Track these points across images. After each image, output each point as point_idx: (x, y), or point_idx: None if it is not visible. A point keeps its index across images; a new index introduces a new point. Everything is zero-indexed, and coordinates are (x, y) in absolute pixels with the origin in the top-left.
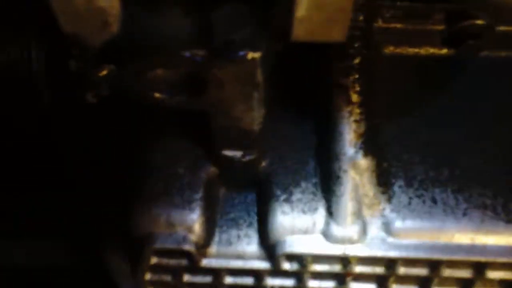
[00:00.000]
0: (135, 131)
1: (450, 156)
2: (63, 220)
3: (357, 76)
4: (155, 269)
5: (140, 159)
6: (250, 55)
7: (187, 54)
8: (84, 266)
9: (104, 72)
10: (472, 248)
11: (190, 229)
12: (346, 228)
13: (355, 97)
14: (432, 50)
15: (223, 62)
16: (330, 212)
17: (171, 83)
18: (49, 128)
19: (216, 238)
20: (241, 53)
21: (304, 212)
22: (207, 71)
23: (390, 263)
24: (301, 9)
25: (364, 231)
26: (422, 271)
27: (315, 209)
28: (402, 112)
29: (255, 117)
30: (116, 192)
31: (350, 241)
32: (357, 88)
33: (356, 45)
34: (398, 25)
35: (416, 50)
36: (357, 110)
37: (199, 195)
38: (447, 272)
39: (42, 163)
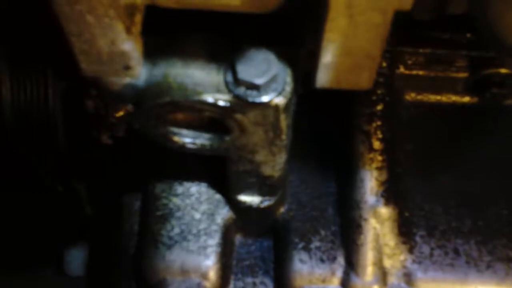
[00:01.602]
0: (152, 171)
1: (473, 206)
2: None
3: (379, 122)
4: None
5: (157, 201)
6: (274, 101)
7: (210, 99)
8: None
9: (121, 113)
10: None
11: (204, 276)
12: (366, 278)
13: (377, 144)
14: (454, 98)
15: (246, 107)
16: (349, 262)
17: (192, 126)
18: (65, 170)
19: (231, 286)
20: (266, 99)
21: (322, 261)
22: (229, 116)
23: None
24: (328, 55)
25: (384, 282)
26: None
27: (334, 258)
28: (424, 160)
29: (276, 163)
30: (133, 235)
31: None
32: (380, 135)
33: (379, 91)
34: (420, 72)
35: (438, 97)
36: (379, 157)
37: (215, 241)
38: None
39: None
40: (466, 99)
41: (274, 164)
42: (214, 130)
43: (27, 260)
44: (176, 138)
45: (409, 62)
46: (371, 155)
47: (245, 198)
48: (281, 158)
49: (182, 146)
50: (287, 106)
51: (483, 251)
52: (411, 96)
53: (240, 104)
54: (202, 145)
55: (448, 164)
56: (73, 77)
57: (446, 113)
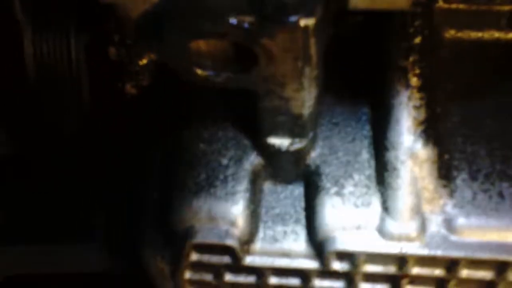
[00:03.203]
0: (177, 118)
1: None
2: (97, 220)
3: (417, 57)
4: (196, 267)
5: (182, 148)
6: (303, 21)
7: (233, 21)
8: (119, 270)
9: (144, 61)
10: None
11: (233, 223)
12: (404, 224)
13: (414, 81)
14: (497, 35)
15: (273, 29)
16: (385, 207)
17: (217, 57)
18: (90, 123)
19: (260, 234)
20: (293, 18)
21: (356, 206)
22: (256, 41)
23: (451, 264)
24: None
25: (423, 228)
26: (487, 274)
27: (369, 203)
28: (465, 100)
29: (306, 98)
30: (157, 184)
31: (408, 239)
32: (417, 71)
33: (417, 23)
34: (461, 6)
35: (480, 34)
36: (417, 95)
37: (243, 187)
38: None
39: (84, 156)
40: (511, 35)
41: (304, 100)
42: (240, 60)
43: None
44: (199, 71)
45: None
46: (408, 92)
47: (274, 140)
48: (312, 93)
49: (207, 80)
50: (317, 28)
51: None
52: (450, 33)
53: (267, 26)
54: (227, 78)
55: (492, 105)
56: (96, 27)
57: (489, 50)
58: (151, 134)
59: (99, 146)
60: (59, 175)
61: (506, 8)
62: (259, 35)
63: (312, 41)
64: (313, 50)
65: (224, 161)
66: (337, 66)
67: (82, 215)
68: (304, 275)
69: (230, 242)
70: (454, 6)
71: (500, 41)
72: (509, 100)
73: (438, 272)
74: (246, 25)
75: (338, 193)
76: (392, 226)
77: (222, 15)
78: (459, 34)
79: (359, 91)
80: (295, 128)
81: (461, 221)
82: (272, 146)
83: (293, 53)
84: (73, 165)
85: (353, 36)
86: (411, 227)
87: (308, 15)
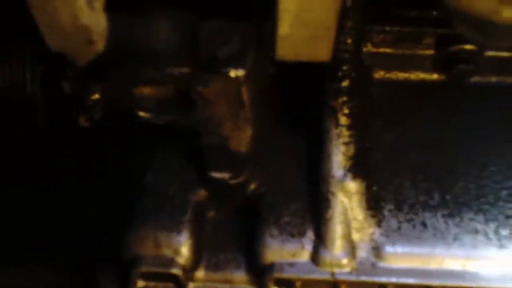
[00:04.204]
0: (127, 149)
1: (441, 181)
2: (56, 244)
3: (345, 98)
4: None
5: (131, 178)
6: (233, 72)
7: (171, 71)
8: None
9: (97, 96)
10: (463, 274)
11: (177, 252)
12: (335, 252)
13: (343, 120)
14: (422, 75)
15: (208, 79)
16: (318, 236)
17: (158, 100)
18: (43, 151)
19: (204, 262)
20: (225, 70)
21: (292, 235)
22: (192, 88)
23: None
24: (285, 26)
25: (353, 255)
26: None
27: (304, 232)
28: (392, 135)
29: (243, 137)
30: (108, 214)
31: (339, 266)
32: (346, 111)
33: (345, 67)
34: (388, 50)
35: (407, 75)
36: (346, 132)
37: (187, 217)
38: None
39: (34, 184)
40: (434, 76)
41: (240, 138)
42: (181, 103)
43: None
44: (142, 113)
45: (376, 40)
46: (338, 130)
47: (216, 174)
48: (247, 132)
49: (150, 121)
50: (248, 77)
51: (450, 224)
52: (379, 74)
53: (201, 75)
54: (168, 119)
55: (417, 139)
56: (51, 60)
57: (414, 90)
58: (104, 163)
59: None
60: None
61: (429, 52)
62: (194, 83)
63: (244, 89)
64: (245, 96)
65: (170, 192)
66: (279, 100)
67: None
68: None
69: (175, 270)
70: (382, 50)
71: (425, 81)
72: (433, 135)
73: None
74: (182, 74)
75: (276, 223)
76: (324, 254)
77: (160, 65)
78: (388, 75)
79: (299, 125)
80: (234, 163)
81: (388, 248)
82: (214, 179)
83: (227, 99)
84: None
85: (294, 73)
86: (342, 255)
87: (238, 66)
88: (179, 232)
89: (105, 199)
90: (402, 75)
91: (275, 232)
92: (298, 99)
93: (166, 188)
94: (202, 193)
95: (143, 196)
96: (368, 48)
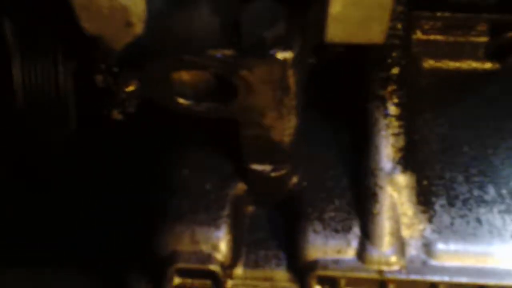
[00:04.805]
0: (161, 145)
1: (495, 175)
2: (83, 245)
3: (395, 87)
4: None
5: (166, 175)
6: (281, 54)
7: (214, 54)
8: None
9: (131, 88)
10: None
11: (215, 248)
12: (383, 249)
13: (393, 109)
14: (474, 64)
15: (252, 62)
16: (365, 232)
17: (198, 87)
18: (76, 147)
19: (243, 259)
20: (272, 52)
21: (337, 231)
22: (235, 73)
23: None
24: (337, 5)
25: (402, 253)
26: None
27: (349, 228)
28: (444, 128)
29: (286, 127)
30: (141, 211)
31: (388, 264)
32: (396, 100)
33: (394, 54)
34: (438, 37)
35: (458, 64)
36: (396, 123)
37: (225, 212)
38: None
39: (67, 181)
40: (488, 65)
41: (284, 128)
42: (221, 90)
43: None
44: (181, 100)
45: (426, 26)
46: (387, 121)
47: (256, 167)
48: (291, 121)
49: (188, 109)
50: (295, 61)
51: (507, 220)
52: (429, 63)
53: (246, 59)
54: (208, 108)
55: (469, 133)
56: (83, 54)
57: (466, 80)
58: (138, 158)
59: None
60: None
61: (482, 39)
62: (238, 68)
63: (290, 73)
64: (291, 81)
65: (207, 187)
66: (320, 93)
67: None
68: None
69: (213, 266)
70: (432, 37)
71: (477, 71)
72: (486, 129)
73: None
74: (225, 58)
75: (319, 218)
76: (371, 251)
77: (202, 47)
78: (438, 64)
79: (341, 118)
80: (276, 155)
81: (440, 246)
82: (254, 172)
83: (271, 85)
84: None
85: (335, 64)
86: (391, 252)
87: (285, 48)
88: (217, 227)
89: (135, 198)
90: (452, 64)
91: (318, 227)
92: (340, 89)
93: (202, 183)
94: (240, 187)
95: (178, 191)
96: (418, 35)
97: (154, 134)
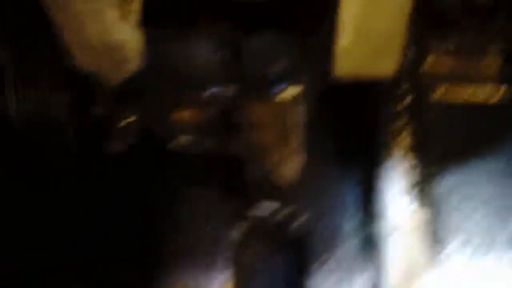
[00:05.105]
0: (160, 183)
1: None
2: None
3: (406, 120)
4: None
5: (165, 215)
6: (288, 91)
7: (215, 90)
8: None
9: (130, 120)
10: None
11: None
12: None
13: (405, 144)
14: (490, 91)
15: (255, 100)
16: (375, 282)
17: (199, 124)
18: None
19: None
20: (274, 91)
21: (340, 281)
22: (238, 110)
23: None
24: (345, 38)
25: None
26: None
27: (356, 278)
28: (458, 163)
29: (292, 167)
30: (137, 255)
31: None
32: (407, 134)
33: (405, 86)
34: (450, 63)
35: (471, 90)
36: (409, 158)
37: (227, 256)
38: None
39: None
40: (503, 91)
41: (290, 168)
42: (223, 128)
43: None
44: (183, 138)
45: (437, 53)
46: (399, 156)
47: (259, 208)
48: (297, 161)
49: (189, 148)
50: (299, 98)
51: None
52: (441, 91)
53: (249, 97)
54: (210, 146)
55: (487, 166)
56: (80, 84)
57: (481, 108)
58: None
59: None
60: None
61: (497, 62)
62: (240, 106)
63: (295, 110)
64: (296, 118)
65: (207, 229)
66: (325, 131)
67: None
68: None
69: None
70: (443, 63)
71: (494, 97)
72: (504, 163)
73: None
74: (226, 96)
75: (321, 268)
76: None
77: (203, 84)
78: (450, 93)
79: (350, 153)
80: (280, 195)
81: None
82: (257, 214)
83: (276, 122)
84: None
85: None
86: None
87: (289, 86)
88: (218, 273)
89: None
90: (466, 92)
91: (321, 277)
92: (348, 124)
93: (202, 225)
94: (243, 230)
95: (173, 234)
96: (428, 62)
97: (151, 169)
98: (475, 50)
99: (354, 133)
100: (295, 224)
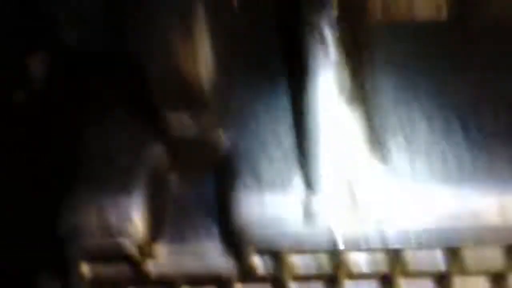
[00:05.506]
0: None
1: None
2: None
3: (333, 12)
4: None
5: (71, 137)
6: None
7: None
8: None
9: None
10: None
11: (127, 221)
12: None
13: (331, 35)
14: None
15: None
16: (308, 181)
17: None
18: None
19: (165, 233)
20: None
21: (274, 186)
22: None
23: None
24: None
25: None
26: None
27: (289, 180)
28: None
29: (199, 63)
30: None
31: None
32: (334, 25)
33: None
34: None
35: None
36: (336, 53)
37: (141, 180)
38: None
39: None
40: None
41: (196, 66)
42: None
43: None
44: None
45: None
46: (325, 51)
47: (172, 118)
48: (205, 58)
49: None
50: None
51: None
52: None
53: None
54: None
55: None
56: None
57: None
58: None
59: None
60: None
61: None
62: None
63: None
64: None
65: (118, 151)
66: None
67: None
68: (222, 281)
69: (123, 240)
70: None
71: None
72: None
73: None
74: None
75: (253, 173)
76: (318, 203)
77: None
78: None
79: (275, 54)
80: (193, 99)
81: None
82: (172, 130)
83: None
84: None
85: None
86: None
87: None
88: (130, 197)
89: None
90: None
91: (253, 183)
92: (268, 30)
93: (112, 147)
94: (160, 149)
95: (85, 157)
96: None
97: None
98: None
99: (272, 27)
100: (219, 139)
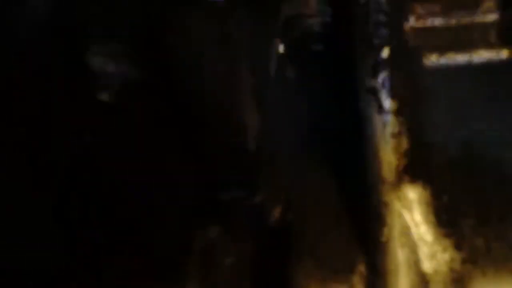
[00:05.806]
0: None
1: None
2: None
3: (388, 74)
4: None
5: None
6: None
7: None
8: None
9: None
10: None
11: None
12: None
13: (389, 102)
14: (486, 53)
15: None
16: (372, 269)
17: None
18: None
19: None
20: None
21: (336, 272)
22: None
23: None
24: None
25: None
26: None
27: (351, 266)
28: (459, 128)
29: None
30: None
31: None
32: (390, 90)
33: (382, 32)
34: (437, 22)
35: (466, 53)
36: (394, 120)
37: (192, 265)
38: None
39: None
40: (504, 53)
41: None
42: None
43: None
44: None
45: (422, 11)
46: (382, 118)
47: (224, 195)
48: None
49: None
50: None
51: None
52: (432, 58)
53: None
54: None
55: (492, 134)
56: None
57: (479, 70)
58: None
59: None
60: None
61: (492, 18)
62: None
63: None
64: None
65: (165, 232)
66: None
67: None
68: None
69: None
70: (429, 24)
71: (492, 62)
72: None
73: None
74: None
75: (312, 257)
76: None
77: None
78: (443, 59)
79: (327, 123)
80: (245, 171)
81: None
82: (223, 207)
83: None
84: None
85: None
86: None
87: None
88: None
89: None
90: (461, 58)
91: (312, 269)
92: (320, 84)
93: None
94: (212, 230)
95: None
96: (411, 23)
97: None
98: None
99: (328, 95)
100: (273, 213)
